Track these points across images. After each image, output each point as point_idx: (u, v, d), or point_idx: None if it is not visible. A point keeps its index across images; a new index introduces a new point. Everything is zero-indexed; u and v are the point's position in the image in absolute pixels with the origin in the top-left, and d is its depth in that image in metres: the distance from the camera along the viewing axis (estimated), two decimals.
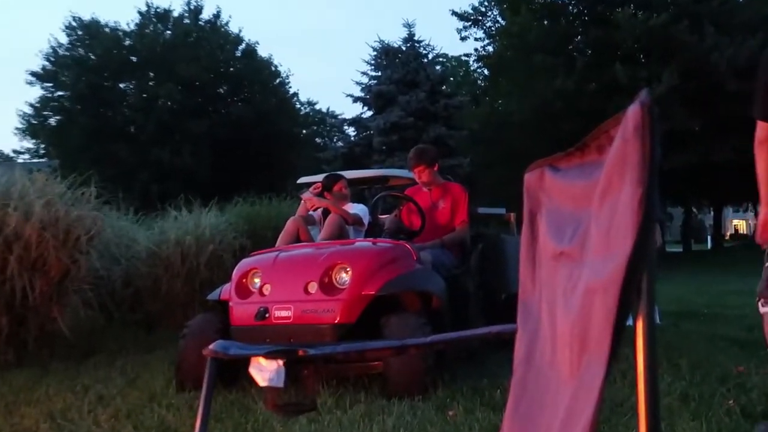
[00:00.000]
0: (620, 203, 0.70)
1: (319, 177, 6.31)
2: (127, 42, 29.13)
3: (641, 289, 0.73)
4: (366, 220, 5.65)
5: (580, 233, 0.88)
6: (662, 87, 19.56)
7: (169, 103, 28.87)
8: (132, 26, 29.68)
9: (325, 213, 5.57)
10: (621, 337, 0.74)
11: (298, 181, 7.23)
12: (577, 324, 0.80)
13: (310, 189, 5.69)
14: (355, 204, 5.84)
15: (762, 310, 3.28)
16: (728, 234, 54.76)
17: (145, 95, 28.82)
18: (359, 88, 27.84)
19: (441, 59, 32.43)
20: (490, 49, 29.70)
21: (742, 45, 20.08)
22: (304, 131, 37.72)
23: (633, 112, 0.69)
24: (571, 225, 0.92)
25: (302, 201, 5.64)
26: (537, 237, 1.08)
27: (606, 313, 0.73)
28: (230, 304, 4.68)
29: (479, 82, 35.65)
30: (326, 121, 39.76)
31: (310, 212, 5.73)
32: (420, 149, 5.57)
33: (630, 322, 0.77)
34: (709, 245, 37.34)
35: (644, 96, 0.69)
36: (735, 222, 66.59)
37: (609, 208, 0.73)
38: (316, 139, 39.83)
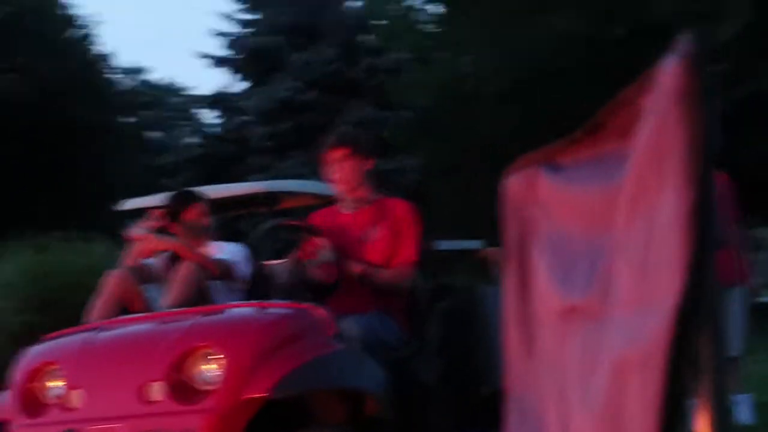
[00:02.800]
0: (660, 217, 0.74)
1: (160, 198, 6.28)
2: None
3: (705, 360, 0.75)
4: (243, 266, 5.63)
5: (599, 272, 0.92)
6: (728, 27, 20.11)
7: None
8: None
9: (174, 261, 5.54)
10: None
11: (121, 207, 7.17)
12: (603, 420, 0.84)
13: (146, 220, 5.66)
14: (225, 243, 5.82)
15: None
16: None
17: None
18: (222, 42, 27.78)
19: None
20: None
21: None
22: (127, 119, 37.31)
23: (670, 69, 0.73)
24: (585, 260, 0.97)
25: (131, 242, 5.60)
26: (531, 283, 1.12)
27: (647, 401, 0.77)
28: (12, 427, 4.60)
29: (428, 27, 36.01)
30: (166, 102, 39.50)
31: (147, 261, 5.68)
32: (346, 130, 5.73)
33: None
34: None
35: (687, 43, 0.73)
36: None
37: (643, 226, 0.77)
38: (149, 132, 39.46)
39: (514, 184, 1.15)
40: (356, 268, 5.32)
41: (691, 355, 0.78)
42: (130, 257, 5.59)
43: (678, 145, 0.77)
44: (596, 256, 0.96)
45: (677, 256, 0.76)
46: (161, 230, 5.62)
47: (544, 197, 1.10)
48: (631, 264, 0.85)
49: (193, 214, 5.71)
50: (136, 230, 5.55)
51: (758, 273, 7.37)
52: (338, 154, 5.44)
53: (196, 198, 5.83)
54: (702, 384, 0.79)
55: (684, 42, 0.77)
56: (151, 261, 5.73)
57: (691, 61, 0.77)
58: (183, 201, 5.79)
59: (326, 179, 5.63)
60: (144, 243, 5.47)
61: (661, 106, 0.79)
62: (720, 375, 0.79)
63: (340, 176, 5.46)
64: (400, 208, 5.57)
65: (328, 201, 6.66)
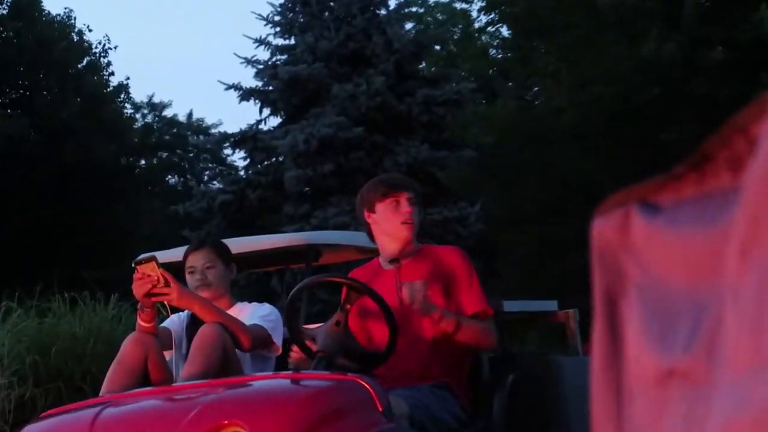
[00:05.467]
0: None
1: (179, 252, 6.31)
2: None
3: None
4: (278, 333, 5.64)
5: (704, 330, 0.91)
6: None
7: None
8: None
9: (195, 323, 5.55)
10: None
11: (136, 262, 7.20)
12: None
13: (142, 268, 5.37)
14: (256, 304, 5.83)
15: None
16: None
17: None
18: (252, 72, 27.91)
19: (414, 10, 32.88)
20: None
21: None
22: (143, 162, 37.65)
23: None
24: (686, 315, 0.96)
25: (145, 301, 5.54)
26: (623, 344, 1.11)
27: None
28: None
29: (493, 52, 36.16)
30: (187, 140, 39.86)
31: (163, 325, 5.69)
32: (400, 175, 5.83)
33: None
34: None
35: None
36: None
37: (757, 273, 0.77)
38: (169, 176, 39.79)
39: (602, 227, 1.13)
40: (434, 315, 5.22)
41: None
42: (145, 319, 5.57)
43: None
44: (700, 311, 0.95)
45: None
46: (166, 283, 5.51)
47: (638, 242, 1.09)
48: (743, 318, 0.84)
49: (194, 262, 5.72)
50: (140, 284, 5.43)
51: None
52: (404, 196, 5.49)
53: (199, 244, 5.86)
54: None
55: None
56: (171, 326, 5.75)
57: None
58: (187, 250, 5.84)
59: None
60: (144, 293, 5.34)
61: None
62: None
63: (402, 218, 5.48)
64: (450, 257, 5.58)
65: (370, 254, 6.67)
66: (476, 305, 5.44)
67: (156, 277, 5.27)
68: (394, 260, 5.55)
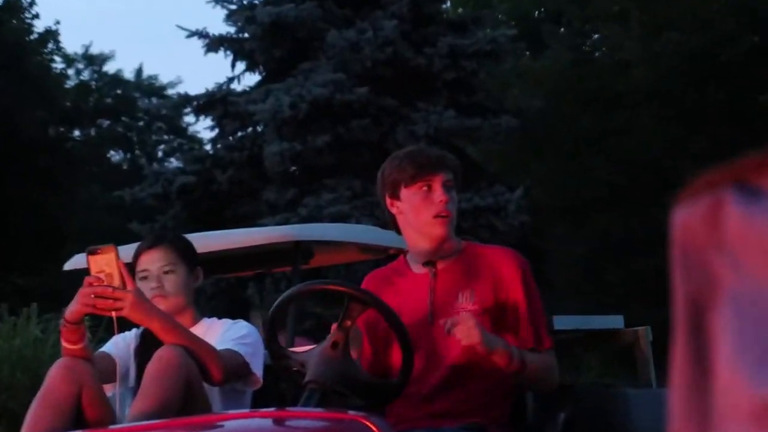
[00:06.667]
0: None
1: (128, 251, 6.31)
2: None
3: None
4: (258, 361, 5.64)
5: None
6: None
7: None
8: None
9: (148, 344, 5.56)
10: None
11: (67, 267, 7.22)
12: None
13: (96, 260, 5.31)
14: (229, 321, 5.84)
15: None
16: None
17: None
18: (222, 14, 27.91)
19: None
20: None
21: None
22: (78, 132, 37.63)
23: None
24: None
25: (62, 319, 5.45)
26: (711, 370, 1.12)
27: None
28: None
29: None
30: (136, 104, 39.84)
31: (104, 350, 5.70)
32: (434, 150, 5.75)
33: None
34: None
35: None
36: None
37: None
38: (112, 152, 39.77)
39: (686, 218, 1.13)
40: (496, 352, 5.07)
41: None
42: (70, 339, 5.50)
43: None
44: None
45: None
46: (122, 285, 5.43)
47: (733, 237, 1.09)
48: None
49: (148, 265, 5.68)
50: (84, 302, 5.38)
51: None
52: (439, 178, 5.37)
53: (154, 241, 5.82)
54: None
55: None
56: (114, 350, 5.75)
57: None
58: (138, 249, 5.79)
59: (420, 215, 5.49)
60: (111, 306, 5.33)
61: None
62: None
63: (438, 210, 5.37)
64: (503, 263, 5.51)
65: (384, 255, 6.68)
66: (536, 338, 5.31)
67: (113, 275, 5.08)
68: (428, 263, 5.50)
